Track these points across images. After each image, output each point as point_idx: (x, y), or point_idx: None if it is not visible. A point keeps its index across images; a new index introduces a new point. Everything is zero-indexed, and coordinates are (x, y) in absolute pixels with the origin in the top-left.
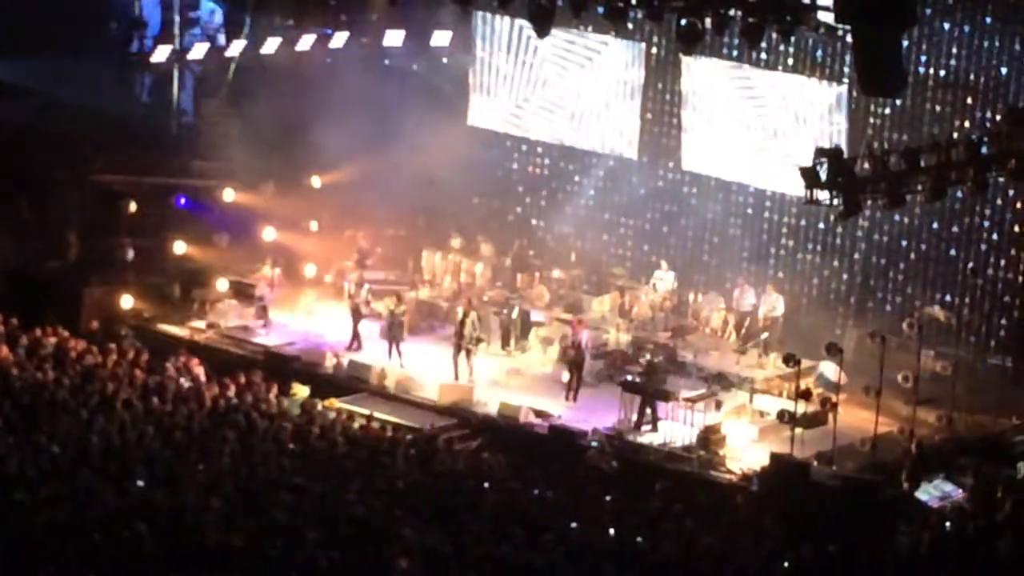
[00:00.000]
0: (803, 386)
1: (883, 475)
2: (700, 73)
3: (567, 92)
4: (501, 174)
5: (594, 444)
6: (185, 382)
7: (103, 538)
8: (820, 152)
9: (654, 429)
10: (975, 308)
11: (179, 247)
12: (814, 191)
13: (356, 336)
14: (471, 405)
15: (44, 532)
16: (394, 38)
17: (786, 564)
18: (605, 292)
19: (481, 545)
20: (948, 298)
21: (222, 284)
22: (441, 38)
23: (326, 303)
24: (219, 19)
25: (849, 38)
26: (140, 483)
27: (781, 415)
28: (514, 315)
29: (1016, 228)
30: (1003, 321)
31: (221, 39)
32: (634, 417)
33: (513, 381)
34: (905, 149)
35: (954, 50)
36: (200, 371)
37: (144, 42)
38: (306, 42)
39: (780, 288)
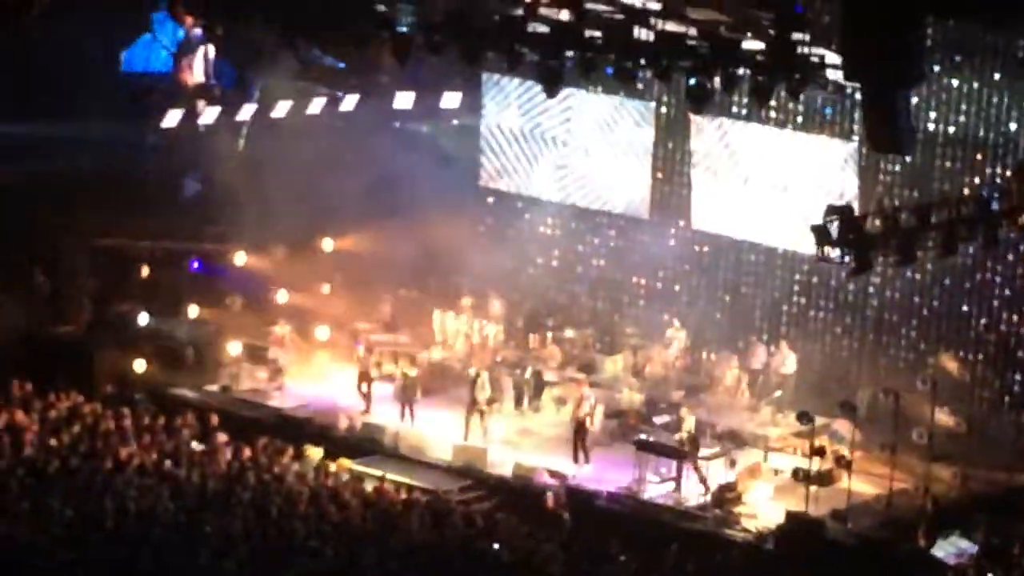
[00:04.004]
0: (817, 443)
1: (899, 532)
2: (710, 132)
3: (577, 152)
4: (512, 234)
5: (548, 493)
6: (198, 446)
7: None
8: (831, 210)
9: (677, 488)
10: (989, 364)
11: (192, 311)
12: (825, 249)
13: (367, 398)
14: (485, 466)
15: None
16: (404, 100)
17: None
18: (618, 352)
19: None
20: (962, 354)
21: (235, 347)
22: (451, 100)
23: (339, 365)
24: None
25: (858, 96)
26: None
27: (795, 473)
28: (527, 375)
29: None
30: (1017, 376)
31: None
32: (649, 476)
33: (526, 441)
34: (916, 205)
35: (963, 107)
36: (218, 436)
37: (154, 107)
38: (316, 105)
39: (793, 345)
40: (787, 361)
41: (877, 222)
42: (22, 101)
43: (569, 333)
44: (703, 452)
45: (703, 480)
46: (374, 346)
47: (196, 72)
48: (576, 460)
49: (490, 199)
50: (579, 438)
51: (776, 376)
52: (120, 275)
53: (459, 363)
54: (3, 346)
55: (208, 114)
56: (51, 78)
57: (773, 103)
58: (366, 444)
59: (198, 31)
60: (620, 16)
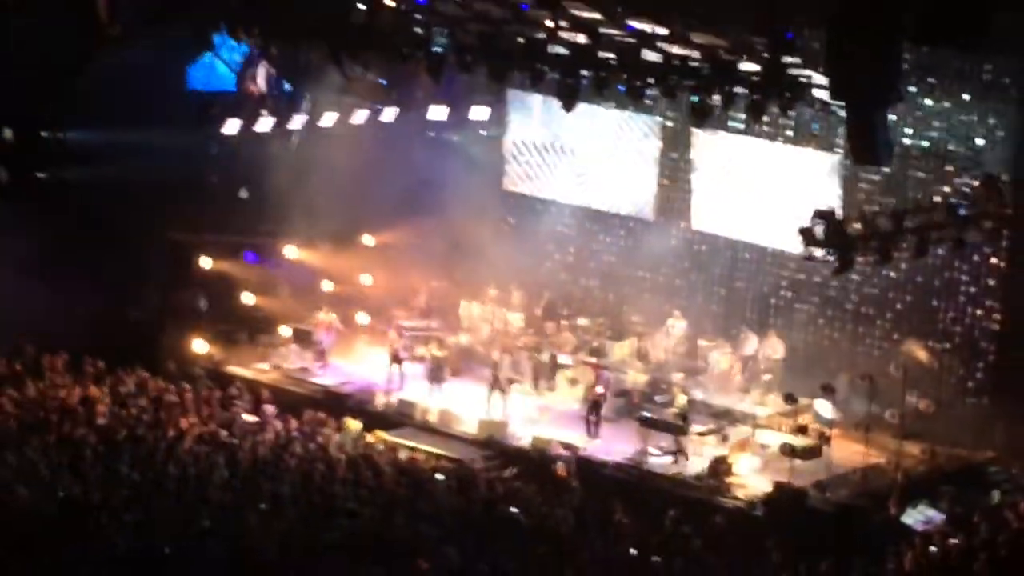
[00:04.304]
0: (801, 422)
1: (873, 501)
2: (710, 144)
3: (591, 160)
4: (532, 232)
5: (558, 462)
6: (251, 418)
7: (177, 556)
8: (816, 214)
9: (679, 459)
10: (955, 353)
11: (247, 298)
12: (811, 249)
13: (399, 377)
14: (506, 438)
15: (125, 554)
16: (438, 113)
17: None
18: (625, 338)
19: (516, 564)
20: (931, 344)
21: (284, 330)
22: (479, 113)
23: (376, 348)
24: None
25: (842, 113)
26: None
27: (782, 448)
28: (544, 358)
29: (991, 281)
30: (980, 364)
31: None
32: (651, 449)
33: (543, 417)
34: (892, 211)
35: (935, 124)
36: (268, 407)
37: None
38: (360, 116)
39: (781, 334)
40: (776, 348)
41: (857, 226)
42: (103, 112)
43: (582, 321)
44: (698, 428)
45: (682, 450)
46: (403, 331)
47: (258, 85)
48: (590, 434)
49: (513, 201)
50: (594, 414)
51: (766, 362)
52: (184, 266)
53: (483, 347)
54: (79, 328)
55: (264, 123)
56: (128, 92)
57: (766, 118)
58: (399, 418)
59: (256, 49)
60: (631, 40)
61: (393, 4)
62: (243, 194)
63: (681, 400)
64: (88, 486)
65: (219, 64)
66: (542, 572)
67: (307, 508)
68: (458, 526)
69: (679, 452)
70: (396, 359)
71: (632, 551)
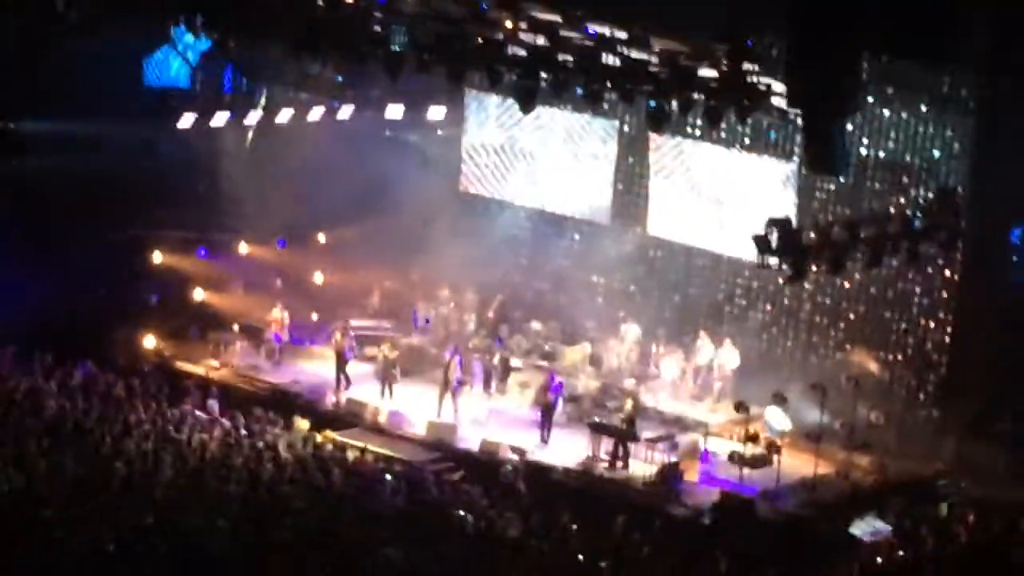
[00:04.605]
0: (751, 431)
1: (821, 512)
2: (667, 149)
3: (548, 163)
4: (487, 234)
5: (507, 467)
6: (200, 414)
7: (121, 552)
8: (771, 222)
9: (625, 467)
10: (907, 365)
11: (198, 294)
12: (765, 257)
13: (342, 377)
14: (455, 441)
15: (67, 548)
16: (395, 112)
17: None
18: (577, 343)
19: (462, 567)
20: (883, 355)
21: (235, 327)
22: (437, 112)
23: (327, 346)
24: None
25: (800, 122)
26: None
27: (731, 456)
28: (495, 361)
29: (944, 294)
30: (931, 377)
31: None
32: (602, 455)
33: (493, 420)
34: (847, 221)
35: (892, 134)
36: (214, 404)
37: (172, 110)
38: (316, 113)
39: (736, 343)
40: (731, 357)
41: (812, 235)
42: (55, 101)
43: (535, 325)
44: (648, 435)
45: (626, 456)
46: (349, 330)
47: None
48: (544, 439)
49: (468, 202)
50: (545, 419)
51: (720, 370)
52: (135, 260)
53: (435, 348)
54: (28, 321)
55: (219, 118)
56: (83, 83)
57: (724, 125)
58: (349, 418)
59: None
60: (590, 43)
61: (352, 1)
62: (201, 188)
63: (627, 406)
64: (32, 479)
65: (173, 60)
66: (489, 575)
67: (254, 507)
68: (405, 527)
69: (619, 458)
70: (342, 358)
71: (579, 556)
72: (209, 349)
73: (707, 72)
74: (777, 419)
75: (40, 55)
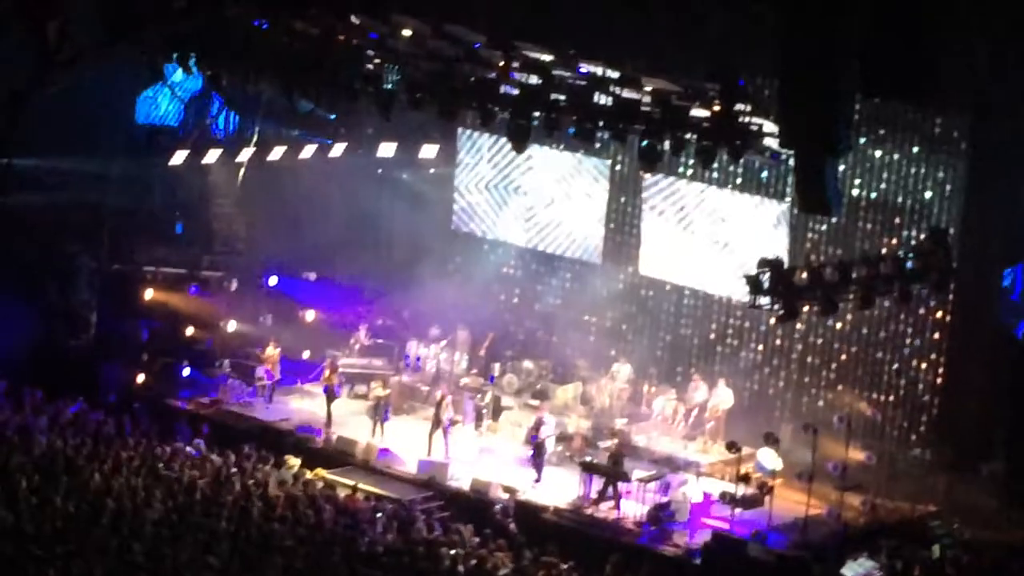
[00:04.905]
0: (743, 471)
1: (812, 552)
2: (658, 188)
3: (540, 201)
4: (478, 273)
5: (497, 506)
6: (191, 451)
7: None
8: (763, 262)
9: (616, 507)
10: (898, 405)
11: (189, 330)
12: (757, 297)
13: (329, 415)
14: (445, 479)
15: None
16: (387, 150)
17: None
18: (569, 382)
19: None
20: (874, 396)
21: (226, 364)
22: (429, 151)
23: (317, 384)
24: (232, 128)
25: (792, 162)
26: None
27: (723, 496)
28: (487, 400)
29: (936, 335)
30: (923, 418)
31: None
32: (593, 495)
33: (484, 459)
34: (839, 262)
35: (884, 175)
36: (200, 443)
37: (163, 147)
38: (308, 151)
39: (730, 383)
40: (724, 397)
41: (804, 275)
42: (49, 138)
43: (526, 364)
44: (641, 474)
45: (616, 495)
46: (337, 367)
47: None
48: (537, 478)
49: (460, 241)
50: (536, 458)
51: (712, 411)
52: (126, 296)
53: (426, 387)
54: (18, 357)
55: (210, 155)
56: (76, 119)
57: (716, 165)
58: (340, 456)
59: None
60: (583, 82)
61: (343, 39)
62: (178, 228)
63: (612, 444)
64: (21, 516)
65: (163, 98)
66: None
67: (243, 544)
68: (395, 566)
69: (610, 497)
70: (331, 395)
71: None
72: (201, 385)
73: (699, 112)
74: (769, 459)
75: (33, 91)
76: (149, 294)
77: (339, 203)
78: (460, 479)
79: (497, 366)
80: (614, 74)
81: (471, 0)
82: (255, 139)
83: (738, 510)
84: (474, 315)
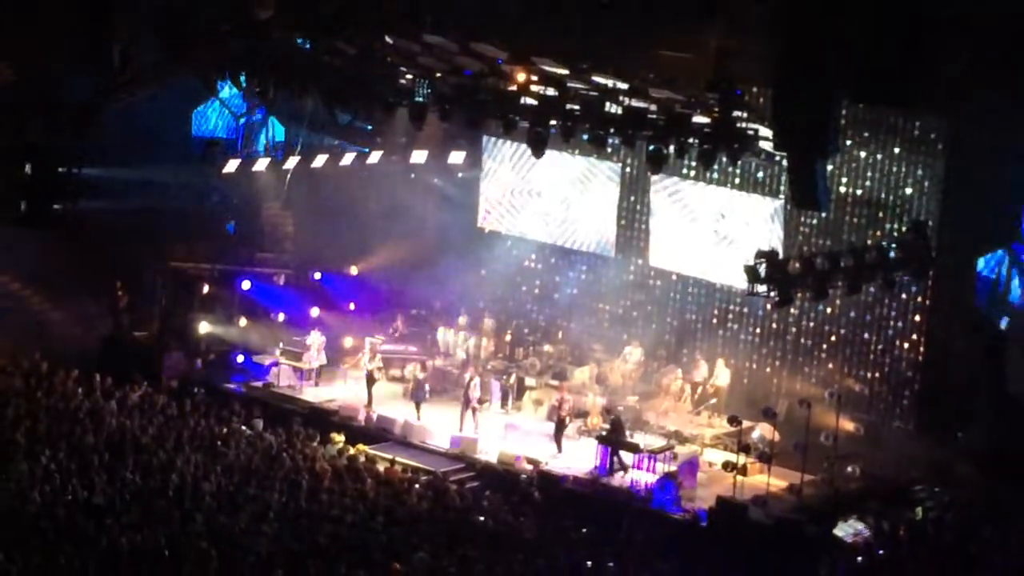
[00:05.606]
0: (744, 442)
1: (807, 515)
2: (664, 188)
3: (557, 201)
4: (502, 266)
5: (523, 476)
6: (246, 430)
7: (174, 556)
8: (760, 254)
9: (624, 472)
10: (884, 381)
11: (242, 321)
12: (755, 285)
13: (370, 397)
14: (475, 453)
15: (127, 551)
16: (419, 156)
17: None
18: (585, 363)
19: (481, 567)
20: (862, 373)
21: (276, 351)
22: (457, 157)
23: (359, 368)
24: (279, 138)
25: (785, 163)
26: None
27: (726, 465)
28: (511, 381)
29: (917, 317)
30: (906, 392)
31: (280, 155)
32: (606, 466)
33: (510, 434)
34: (828, 252)
35: (868, 174)
36: (258, 422)
37: (217, 157)
38: (348, 158)
39: (727, 363)
40: (723, 375)
41: (797, 265)
42: (114, 150)
43: (547, 347)
44: (651, 446)
45: (621, 463)
46: (377, 353)
47: (254, 129)
48: (559, 450)
49: (486, 238)
50: (558, 432)
51: (713, 387)
52: (185, 291)
53: (456, 370)
54: (90, 347)
55: (260, 164)
56: (136, 132)
57: (716, 166)
58: (380, 433)
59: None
60: (595, 94)
61: (379, 57)
62: (231, 229)
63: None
64: (93, 490)
65: (212, 113)
66: (507, 574)
67: (294, 514)
68: (431, 531)
69: (621, 467)
70: (371, 379)
71: (589, 557)
72: (252, 371)
73: (701, 119)
74: (767, 432)
75: (99, 108)
76: (206, 289)
77: (376, 205)
78: (488, 452)
79: (520, 350)
80: (623, 86)
81: (495, 21)
82: (300, 148)
83: (739, 477)
84: (499, 304)
